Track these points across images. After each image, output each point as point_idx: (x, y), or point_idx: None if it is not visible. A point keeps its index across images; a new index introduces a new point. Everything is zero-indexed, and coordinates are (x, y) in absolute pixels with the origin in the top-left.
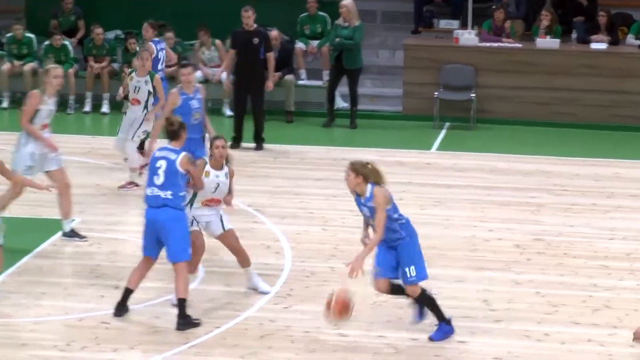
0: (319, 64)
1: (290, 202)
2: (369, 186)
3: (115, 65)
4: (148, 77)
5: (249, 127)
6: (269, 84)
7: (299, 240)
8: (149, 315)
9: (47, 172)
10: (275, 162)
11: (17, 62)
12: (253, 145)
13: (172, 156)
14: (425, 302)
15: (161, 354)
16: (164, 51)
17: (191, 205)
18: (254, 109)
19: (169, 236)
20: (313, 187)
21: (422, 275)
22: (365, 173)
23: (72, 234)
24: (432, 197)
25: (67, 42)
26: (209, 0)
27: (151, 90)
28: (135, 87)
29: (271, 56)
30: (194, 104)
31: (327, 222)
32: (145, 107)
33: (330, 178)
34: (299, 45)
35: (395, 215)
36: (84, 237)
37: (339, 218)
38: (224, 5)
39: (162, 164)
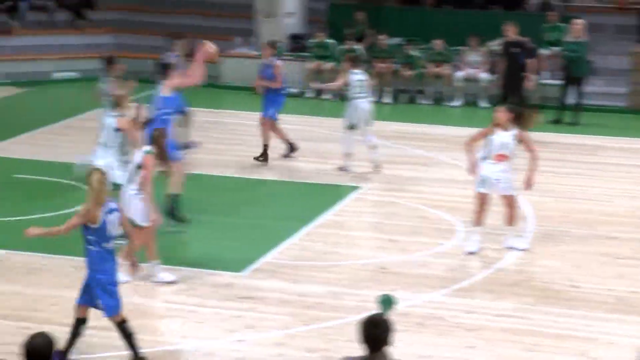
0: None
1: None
2: None
3: (395, 66)
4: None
5: None
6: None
7: (539, 208)
8: (418, 264)
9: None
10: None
11: (319, 62)
12: None
13: None
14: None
15: (428, 294)
16: None
17: None
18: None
19: None
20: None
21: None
22: None
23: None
24: None
25: (356, 47)
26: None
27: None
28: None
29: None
30: None
31: (560, 194)
32: None
33: (559, 159)
34: (542, 50)
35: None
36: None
37: (568, 191)
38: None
39: None
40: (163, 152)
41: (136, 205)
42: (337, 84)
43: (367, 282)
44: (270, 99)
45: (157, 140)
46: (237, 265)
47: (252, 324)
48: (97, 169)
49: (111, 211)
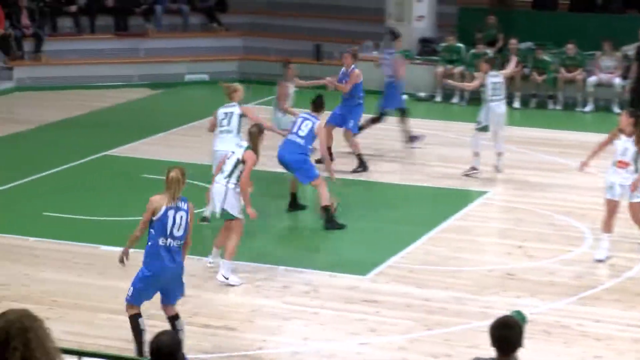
0: None
1: None
2: None
3: (526, 70)
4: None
5: None
6: None
7: None
8: (545, 271)
9: None
10: None
11: (449, 66)
12: None
13: None
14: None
15: (555, 301)
16: None
17: None
18: None
19: None
20: None
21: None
22: None
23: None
24: None
25: (487, 51)
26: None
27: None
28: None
29: None
30: None
31: None
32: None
33: None
34: None
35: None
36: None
37: None
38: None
39: None
40: (256, 149)
41: (234, 198)
42: (473, 84)
43: (492, 288)
44: (347, 110)
45: (255, 137)
46: (360, 268)
47: (375, 328)
48: (179, 167)
49: (178, 209)
